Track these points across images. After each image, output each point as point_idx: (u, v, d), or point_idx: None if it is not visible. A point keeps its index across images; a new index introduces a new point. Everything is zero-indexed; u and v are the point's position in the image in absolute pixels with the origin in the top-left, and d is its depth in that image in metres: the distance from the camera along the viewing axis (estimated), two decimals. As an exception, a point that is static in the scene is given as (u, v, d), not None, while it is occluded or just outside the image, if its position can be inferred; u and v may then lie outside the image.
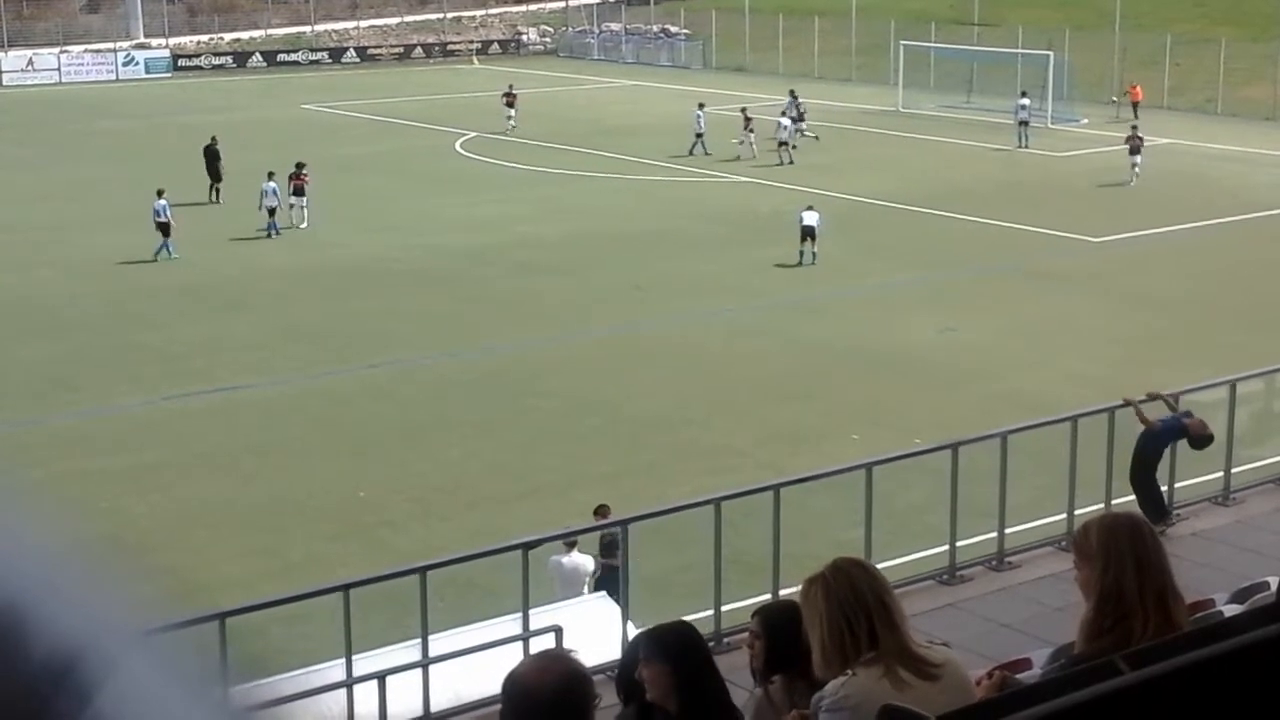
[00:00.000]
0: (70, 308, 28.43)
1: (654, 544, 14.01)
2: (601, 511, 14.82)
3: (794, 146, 44.47)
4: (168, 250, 31.94)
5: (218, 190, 38.23)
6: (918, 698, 4.04)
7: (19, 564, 1.12)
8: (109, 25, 79.85)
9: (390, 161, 45.32)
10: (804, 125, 47.93)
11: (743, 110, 45.51)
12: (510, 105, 51.66)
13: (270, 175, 34.67)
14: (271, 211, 34.28)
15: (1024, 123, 48.02)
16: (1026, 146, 47.09)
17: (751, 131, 44.55)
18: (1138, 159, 40.15)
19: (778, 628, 5.50)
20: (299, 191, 35.32)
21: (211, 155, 38.91)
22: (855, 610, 4.43)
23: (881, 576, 4.69)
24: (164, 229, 32.11)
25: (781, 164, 43.29)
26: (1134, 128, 41.94)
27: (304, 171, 35.65)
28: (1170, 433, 14.55)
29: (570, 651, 8.79)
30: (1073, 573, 4.63)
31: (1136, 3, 63.35)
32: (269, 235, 34.16)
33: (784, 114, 46.55)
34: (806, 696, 5.11)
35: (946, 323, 26.53)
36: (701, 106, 46.92)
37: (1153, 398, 14.67)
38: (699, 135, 45.40)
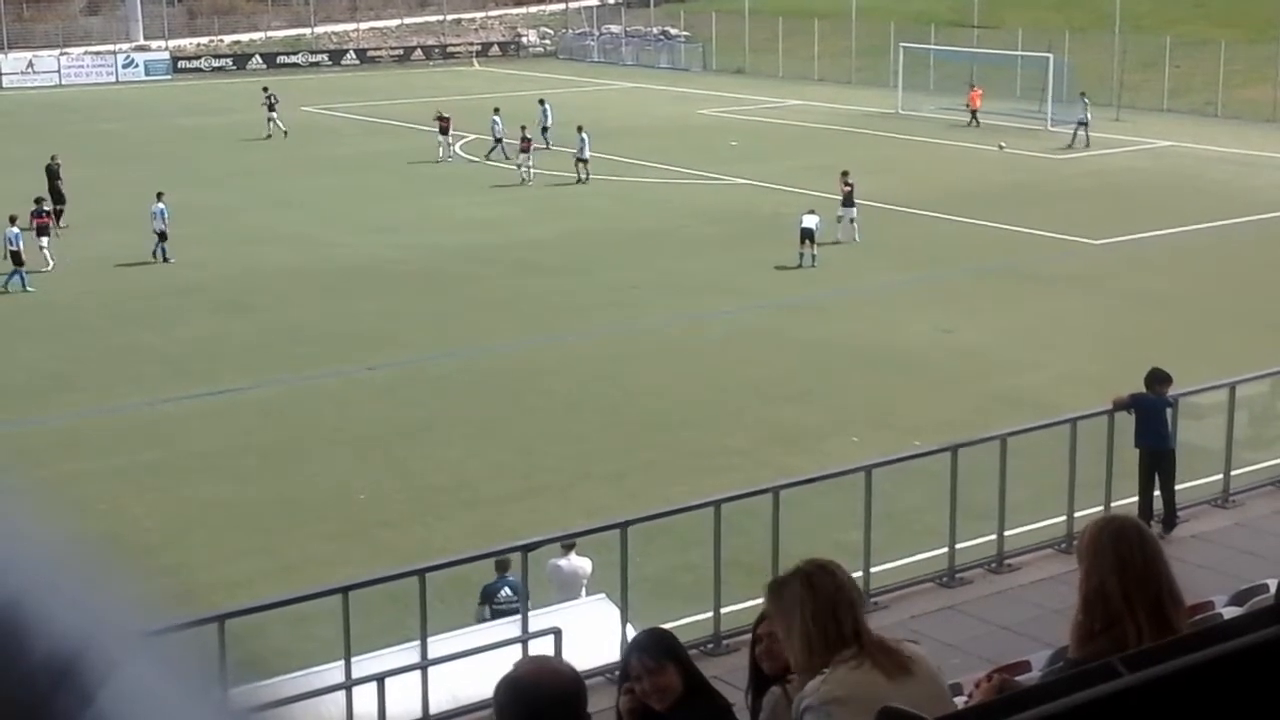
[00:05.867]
0: (70, 308, 28.44)
1: (654, 545, 14.02)
2: None
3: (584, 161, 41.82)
4: (21, 280, 29.57)
5: (59, 213, 34.90)
6: (902, 692, 4.00)
7: (20, 563, 1.12)
8: (109, 27, 79.88)
9: (389, 163, 45.36)
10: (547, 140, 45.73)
11: (522, 129, 43.09)
12: (444, 132, 46.21)
13: (159, 196, 32.37)
14: (162, 235, 31.72)
15: (1083, 123, 47.90)
16: (1085, 147, 46.91)
17: (528, 154, 42.19)
18: (852, 211, 33.16)
19: None
20: (43, 231, 31.87)
21: (52, 175, 36.16)
22: (843, 604, 4.37)
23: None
24: (15, 258, 29.66)
25: (580, 180, 41.61)
26: (845, 173, 33.87)
27: (45, 210, 32.53)
28: (1146, 403, 14.53)
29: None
30: (1072, 575, 4.63)
31: (1136, 4, 63.35)
32: (156, 259, 31.74)
33: (551, 129, 45.61)
34: None
35: (944, 324, 26.53)
36: (497, 111, 46.10)
37: (1119, 405, 14.63)
38: (498, 140, 45.08)
